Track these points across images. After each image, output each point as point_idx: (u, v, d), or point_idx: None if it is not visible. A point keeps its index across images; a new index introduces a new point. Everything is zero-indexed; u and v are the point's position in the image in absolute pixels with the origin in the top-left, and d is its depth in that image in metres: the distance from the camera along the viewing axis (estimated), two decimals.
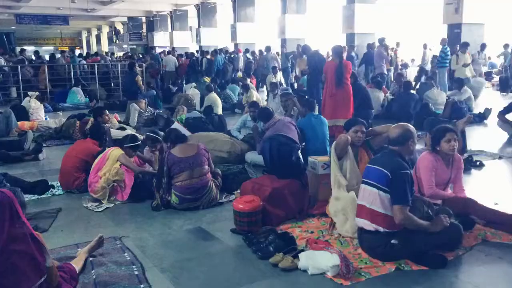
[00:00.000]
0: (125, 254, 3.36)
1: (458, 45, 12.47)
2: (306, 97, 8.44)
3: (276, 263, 3.11)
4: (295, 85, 13.54)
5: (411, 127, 3.33)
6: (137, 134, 6.03)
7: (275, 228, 3.65)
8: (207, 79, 13.39)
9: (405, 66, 17.80)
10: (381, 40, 13.38)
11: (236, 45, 22.75)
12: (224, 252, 3.45)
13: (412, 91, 9.43)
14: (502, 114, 7.27)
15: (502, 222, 3.57)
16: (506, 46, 14.89)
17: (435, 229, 3.09)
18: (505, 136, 7.15)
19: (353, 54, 14.47)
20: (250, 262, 3.23)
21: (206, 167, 4.47)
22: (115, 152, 4.70)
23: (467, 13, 14.39)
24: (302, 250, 3.23)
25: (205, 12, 27.82)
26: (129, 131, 7.37)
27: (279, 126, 5.42)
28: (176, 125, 7.00)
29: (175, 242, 3.63)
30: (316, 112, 7.37)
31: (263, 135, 5.53)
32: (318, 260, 3.00)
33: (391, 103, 9.41)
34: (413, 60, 22.65)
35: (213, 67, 14.54)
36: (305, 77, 10.87)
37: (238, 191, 4.45)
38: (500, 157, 6.01)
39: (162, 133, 5.82)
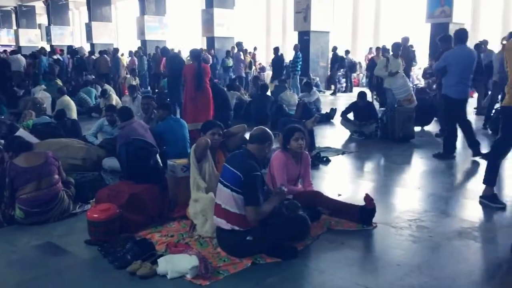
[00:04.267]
0: None
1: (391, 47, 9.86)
2: (168, 100, 8.41)
3: (134, 271, 3.02)
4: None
5: (271, 134, 3.53)
6: None
7: (134, 235, 3.55)
8: (59, 81, 12.41)
9: (262, 69, 18.74)
10: (239, 44, 13.87)
11: (51, 46, 21.45)
12: (77, 266, 3.25)
13: (268, 93, 9.96)
14: (344, 114, 8.09)
15: (344, 211, 3.97)
16: (347, 52, 16.57)
17: (279, 200, 3.37)
18: (347, 133, 7.98)
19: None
20: (106, 274, 3.09)
21: (56, 176, 4.16)
22: None
23: (314, 22, 15.72)
24: (162, 255, 3.20)
25: (56, 9, 25.86)
26: None
27: (136, 127, 5.27)
28: (21, 132, 6.35)
29: (20, 261, 3.30)
30: (178, 115, 7.39)
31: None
32: (177, 263, 3.00)
33: (249, 105, 9.80)
34: (271, 64, 23.91)
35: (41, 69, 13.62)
36: (166, 79, 10.77)
37: (94, 200, 4.22)
38: (343, 153, 6.68)
39: (2, 141, 5.24)
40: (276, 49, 14.13)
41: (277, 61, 13.91)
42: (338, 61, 15.66)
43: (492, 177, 4.26)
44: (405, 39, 10.70)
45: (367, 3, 25.48)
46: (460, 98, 6.04)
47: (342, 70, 16.26)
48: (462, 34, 6.04)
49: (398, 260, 3.26)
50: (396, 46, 8.98)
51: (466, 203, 4.57)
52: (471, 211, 4.29)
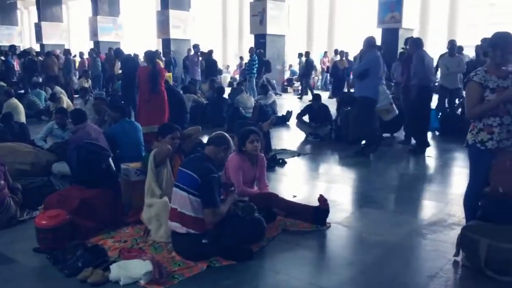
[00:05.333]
0: None
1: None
2: (122, 102, 8.22)
3: (85, 279, 2.94)
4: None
5: (229, 139, 3.53)
6: None
7: (85, 242, 3.45)
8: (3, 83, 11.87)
9: (219, 72, 18.70)
10: (195, 47, 13.79)
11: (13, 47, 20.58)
12: (25, 275, 3.12)
13: (224, 96, 9.97)
14: (299, 116, 8.21)
15: (299, 212, 4.02)
16: (300, 55, 16.82)
17: (232, 200, 3.42)
18: (302, 135, 8.09)
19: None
20: (56, 282, 2.99)
21: (2, 182, 3.97)
22: None
23: (270, 25, 15.86)
24: (114, 261, 3.12)
25: (4, 8, 24.79)
26: None
27: (90, 130, 5.13)
28: None
29: None
30: (132, 118, 7.23)
31: None
32: (131, 269, 2.94)
33: (205, 108, 9.76)
34: (228, 66, 23.97)
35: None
36: (120, 82, 10.54)
37: (42, 206, 4.06)
38: (299, 154, 6.77)
39: None
40: (210, 52, 14.22)
41: (207, 60, 13.91)
42: (311, 66, 15.88)
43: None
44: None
45: (321, 8, 26.02)
46: (376, 98, 6.51)
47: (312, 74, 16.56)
48: (373, 41, 6.59)
49: (351, 259, 3.34)
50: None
51: (417, 202, 4.74)
52: (422, 210, 4.46)
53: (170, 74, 13.97)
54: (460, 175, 5.58)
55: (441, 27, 20.31)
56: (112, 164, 4.27)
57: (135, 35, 33.14)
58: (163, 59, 15.08)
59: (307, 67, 15.45)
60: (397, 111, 6.93)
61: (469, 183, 3.45)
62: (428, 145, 6.85)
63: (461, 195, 3.59)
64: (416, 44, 6.75)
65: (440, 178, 5.69)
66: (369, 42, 6.55)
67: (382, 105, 6.78)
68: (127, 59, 9.23)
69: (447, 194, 4.96)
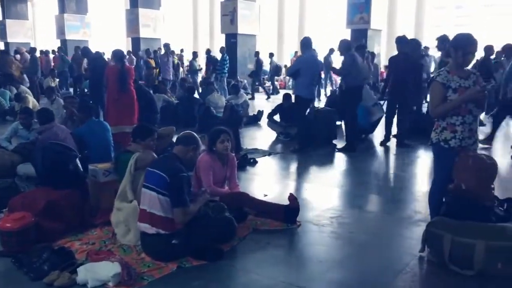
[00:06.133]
0: None
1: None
2: (91, 102, 8.06)
3: (51, 282, 2.88)
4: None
5: (198, 138, 3.52)
6: None
7: (51, 244, 3.37)
8: None
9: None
10: (165, 46, 13.67)
11: None
12: None
13: (195, 96, 9.92)
14: (270, 115, 8.25)
15: (270, 211, 4.04)
16: (271, 55, 16.90)
17: (204, 201, 3.41)
18: (273, 135, 8.13)
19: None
20: (21, 286, 2.92)
21: None
22: None
23: (241, 25, 15.88)
24: (82, 264, 3.07)
25: None
26: None
27: (57, 131, 5.01)
28: None
29: None
30: (101, 118, 7.11)
31: None
32: (98, 271, 2.89)
33: (176, 107, 9.69)
34: (199, 66, 23.76)
35: None
36: (87, 81, 10.35)
37: (7, 208, 3.95)
38: (270, 154, 6.80)
39: None
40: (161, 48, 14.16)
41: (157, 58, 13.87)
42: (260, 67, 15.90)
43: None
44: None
45: (292, 8, 26.22)
46: (310, 98, 6.81)
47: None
48: (308, 42, 6.72)
49: (321, 257, 3.38)
50: (361, 46, 8.29)
51: (385, 200, 4.84)
52: (390, 207, 4.55)
53: (158, 69, 13.81)
54: (425, 173, 5.74)
55: (408, 28, 20.78)
56: (80, 165, 4.19)
57: (104, 34, 32.56)
58: (139, 55, 14.88)
59: (257, 68, 15.42)
60: (382, 113, 7.04)
61: (434, 181, 3.56)
62: (353, 149, 6.82)
63: (427, 192, 3.69)
64: (346, 46, 6.85)
65: (407, 176, 5.83)
66: (304, 43, 6.79)
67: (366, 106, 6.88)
68: (95, 58, 9.07)
69: (413, 191, 5.08)
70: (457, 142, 3.30)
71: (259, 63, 15.41)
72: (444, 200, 3.45)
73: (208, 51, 16.13)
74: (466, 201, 3.25)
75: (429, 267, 3.22)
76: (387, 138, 7.23)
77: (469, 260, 2.98)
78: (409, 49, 6.99)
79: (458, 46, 3.28)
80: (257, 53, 15.59)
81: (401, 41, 6.97)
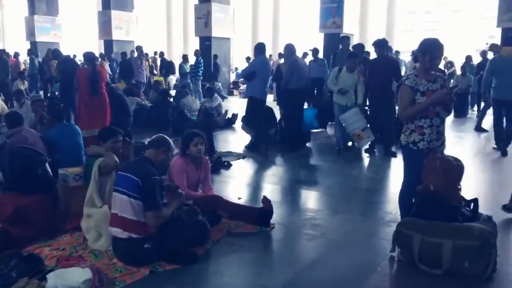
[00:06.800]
0: None
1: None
2: (62, 105, 7.90)
3: None
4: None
5: (171, 141, 3.50)
6: None
7: (20, 251, 3.28)
8: None
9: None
10: (138, 48, 13.54)
11: None
12: None
13: (169, 99, 9.85)
14: (245, 118, 8.24)
15: (244, 214, 4.05)
16: (247, 59, 16.91)
17: (178, 204, 3.37)
18: (248, 138, 8.13)
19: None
20: None
21: None
22: None
23: (216, 28, 15.85)
24: (52, 270, 3.00)
25: None
26: None
27: (26, 134, 4.91)
28: None
29: None
30: (72, 121, 6.98)
31: None
32: (68, 278, 2.83)
33: (149, 110, 9.60)
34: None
35: None
36: (58, 84, 10.13)
37: None
38: (244, 157, 6.81)
39: None
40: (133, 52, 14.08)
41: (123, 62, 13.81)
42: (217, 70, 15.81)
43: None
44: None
45: (266, 12, 26.37)
46: (264, 99, 7.20)
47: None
48: (262, 47, 7.14)
49: (294, 258, 3.41)
50: (356, 50, 8.13)
51: (358, 201, 4.91)
52: (361, 209, 4.61)
53: (162, 78, 13.69)
54: (398, 175, 5.84)
55: (379, 32, 21.17)
56: (49, 170, 4.11)
57: (76, 36, 32.02)
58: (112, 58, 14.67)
59: (214, 70, 15.35)
60: (372, 137, 6.66)
61: (404, 182, 3.63)
62: (296, 149, 7.11)
63: (397, 193, 3.76)
64: (289, 50, 7.21)
65: (379, 178, 5.93)
66: (258, 48, 7.16)
67: (354, 129, 6.55)
68: (65, 60, 8.90)
69: (385, 193, 5.18)
70: (425, 144, 3.38)
71: (216, 66, 15.35)
72: (414, 201, 3.53)
73: (161, 54, 16.11)
74: (434, 201, 3.33)
75: (399, 267, 3.28)
76: (372, 146, 7.03)
77: (437, 259, 3.05)
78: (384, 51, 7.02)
79: (426, 51, 3.37)
80: (215, 56, 15.53)
81: (380, 44, 6.93)
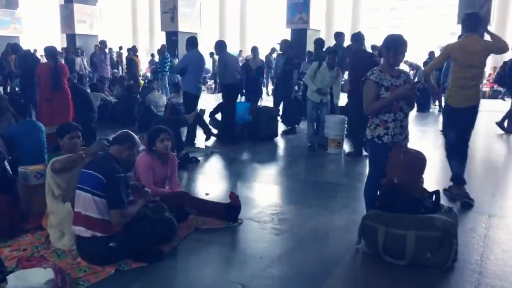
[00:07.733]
0: None
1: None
2: (22, 100, 7.64)
3: None
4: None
5: (136, 137, 3.43)
6: None
7: None
8: None
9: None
10: (102, 43, 13.23)
11: None
12: None
13: (135, 95, 9.67)
14: (212, 114, 8.21)
15: (211, 209, 4.03)
16: (211, 54, 16.77)
17: (144, 202, 3.31)
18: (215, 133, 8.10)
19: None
20: None
21: None
22: None
23: (182, 23, 15.67)
24: (12, 272, 2.90)
25: None
26: None
27: None
28: None
29: None
30: (33, 118, 6.76)
31: None
32: (30, 279, 2.74)
33: (114, 106, 9.41)
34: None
35: None
36: (18, 79, 9.78)
37: None
38: (212, 153, 6.78)
39: None
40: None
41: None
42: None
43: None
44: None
45: (233, 7, 26.27)
46: (198, 94, 7.37)
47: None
48: (193, 40, 7.35)
49: (261, 253, 3.42)
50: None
51: (325, 195, 4.95)
52: (329, 203, 4.66)
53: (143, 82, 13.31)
54: (364, 169, 5.95)
55: (345, 28, 21.44)
56: (8, 168, 3.97)
57: (37, 30, 31.03)
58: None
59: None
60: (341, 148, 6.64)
61: (369, 175, 3.70)
62: (232, 142, 7.27)
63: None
64: (220, 47, 7.43)
65: (346, 172, 6.02)
66: (189, 42, 7.35)
67: (334, 135, 6.57)
68: (25, 55, 8.61)
69: (351, 187, 5.25)
70: (389, 138, 3.45)
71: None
72: (378, 194, 3.59)
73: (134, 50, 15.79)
74: (398, 194, 3.40)
75: (365, 259, 3.34)
76: (359, 150, 6.54)
77: (401, 250, 3.13)
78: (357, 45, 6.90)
79: (390, 47, 3.43)
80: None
81: (357, 38, 6.85)
